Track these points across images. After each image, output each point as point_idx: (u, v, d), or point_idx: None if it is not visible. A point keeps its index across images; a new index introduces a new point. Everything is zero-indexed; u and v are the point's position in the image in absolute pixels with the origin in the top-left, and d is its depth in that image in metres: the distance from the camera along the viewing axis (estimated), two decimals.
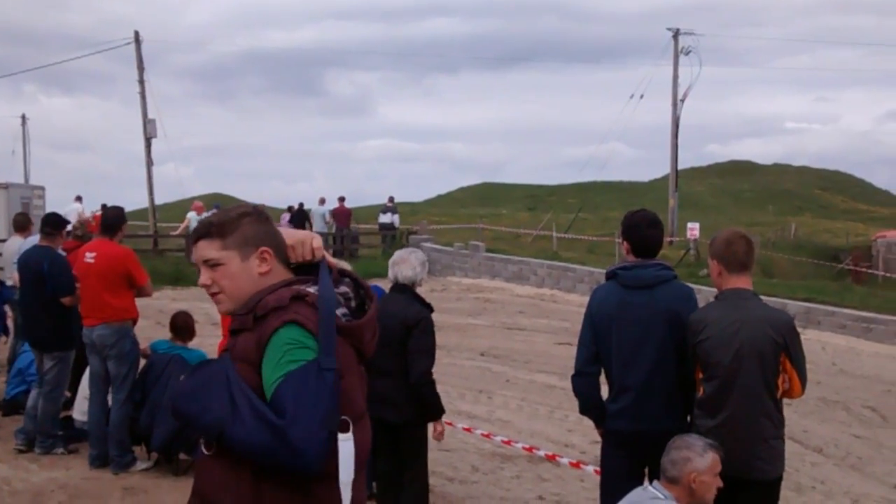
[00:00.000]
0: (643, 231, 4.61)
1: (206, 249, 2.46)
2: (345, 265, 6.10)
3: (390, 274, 5.71)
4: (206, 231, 2.47)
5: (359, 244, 30.69)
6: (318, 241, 2.55)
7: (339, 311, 2.42)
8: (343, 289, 2.51)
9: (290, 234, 2.55)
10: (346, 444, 2.28)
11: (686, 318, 4.38)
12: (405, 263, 5.66)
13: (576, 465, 7.50)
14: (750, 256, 4.39)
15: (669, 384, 4.45)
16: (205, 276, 2.47)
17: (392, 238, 28.86)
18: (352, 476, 2.30)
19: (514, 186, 73.19)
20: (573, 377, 4.71)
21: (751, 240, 4.48)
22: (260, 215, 2.52)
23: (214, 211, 25.76)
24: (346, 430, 2.28)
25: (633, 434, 4.51)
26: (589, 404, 4.71)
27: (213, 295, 2.49)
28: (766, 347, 4.19)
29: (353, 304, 2.51)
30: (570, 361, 4.83)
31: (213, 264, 2.45)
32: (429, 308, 5.61)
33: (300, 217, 29.16)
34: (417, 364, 5.44)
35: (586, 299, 4.89)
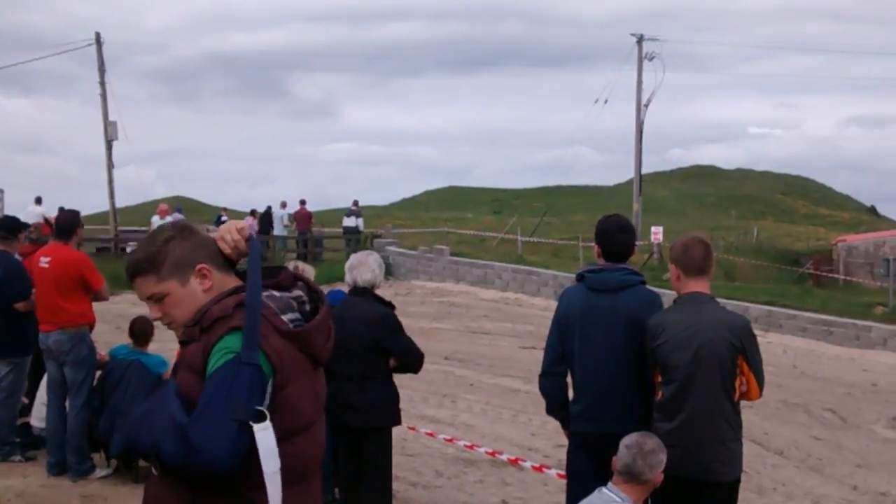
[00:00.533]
0: (614, 236, 4.68)
1: (145, 287, 2.45)
2: (310, 271, 6.05)
3: (348, 278, 5.68)
4: (137, 269, 2.45)
5: (323, 248, 30.58)
6: (241, 223, 2.53)
7: (291, 316, 2.41)
8: (296, 293, 2.49)
9: (216, 231, 2.53)
10: (263, 434, 2.22)
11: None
12: (363, 267, 5.64)
13: (539, 469, 7.51)
14: (708, 261, 4.43)
15: (630, 387, 4.48)
16: (154, 311, 2.47)
17: (357, 242, 28.78)
18: (277, 466, 2.24)
19: (479, 190, 73.40)
20: (540, 377, 4.74)
21: (709, 245, 4.54)
22: (183, 232, 2.49)
23: (177, 215, 25.29)
24: (262, 420, 2.22)
25: (594, 436, 4.53)
26: (554, 405, 4.74)
27: (168, 325, 2.48)
28: (724, 350, 4.22)
29: (307, 307, 2.49)
30: (535, 365, 4.84)
31: (157, 298, 2.45)
32: (391, 307, 5.61)
33: (266, 221, 28.99)
34: (414, 353, 5.54)
35: (551, 303, 4.93)
